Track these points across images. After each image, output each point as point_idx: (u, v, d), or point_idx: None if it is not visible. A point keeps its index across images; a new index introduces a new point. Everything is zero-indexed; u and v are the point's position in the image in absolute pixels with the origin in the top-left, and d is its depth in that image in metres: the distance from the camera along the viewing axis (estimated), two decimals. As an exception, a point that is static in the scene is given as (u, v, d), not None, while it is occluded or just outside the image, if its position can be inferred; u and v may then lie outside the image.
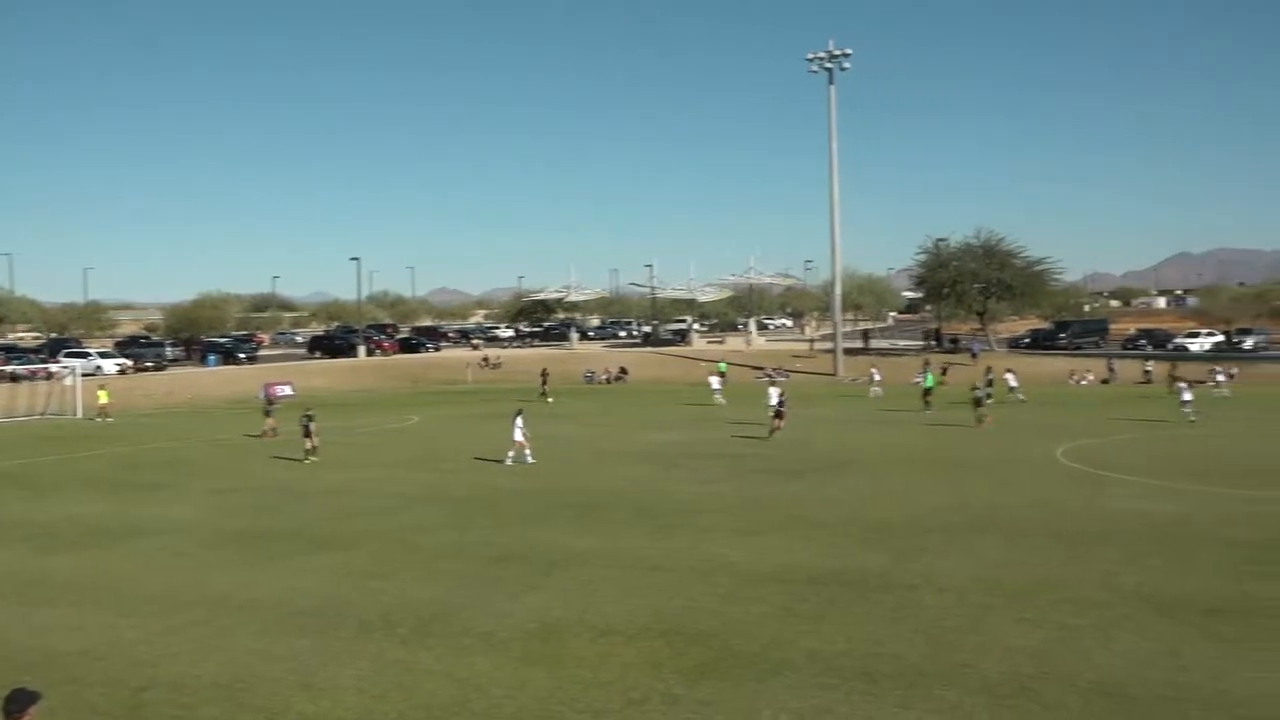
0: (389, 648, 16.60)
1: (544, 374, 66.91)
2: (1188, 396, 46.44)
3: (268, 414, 47.87)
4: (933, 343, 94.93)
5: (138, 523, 27.63)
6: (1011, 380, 57.93)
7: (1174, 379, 56.42)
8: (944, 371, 66.31)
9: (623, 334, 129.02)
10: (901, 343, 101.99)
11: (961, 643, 16.15)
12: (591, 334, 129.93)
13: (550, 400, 62.50)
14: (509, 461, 36.00)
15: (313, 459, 37.95)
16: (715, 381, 61.00)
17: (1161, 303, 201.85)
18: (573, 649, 16.29)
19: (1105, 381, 68.12)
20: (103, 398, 58.51)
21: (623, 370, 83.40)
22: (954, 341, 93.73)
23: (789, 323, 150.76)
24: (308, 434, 38.43)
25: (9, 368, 73.82)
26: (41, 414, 60.37)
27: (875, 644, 16.17)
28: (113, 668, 16.00)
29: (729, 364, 77.44)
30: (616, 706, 13.96)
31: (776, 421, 41.52)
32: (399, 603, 19.14)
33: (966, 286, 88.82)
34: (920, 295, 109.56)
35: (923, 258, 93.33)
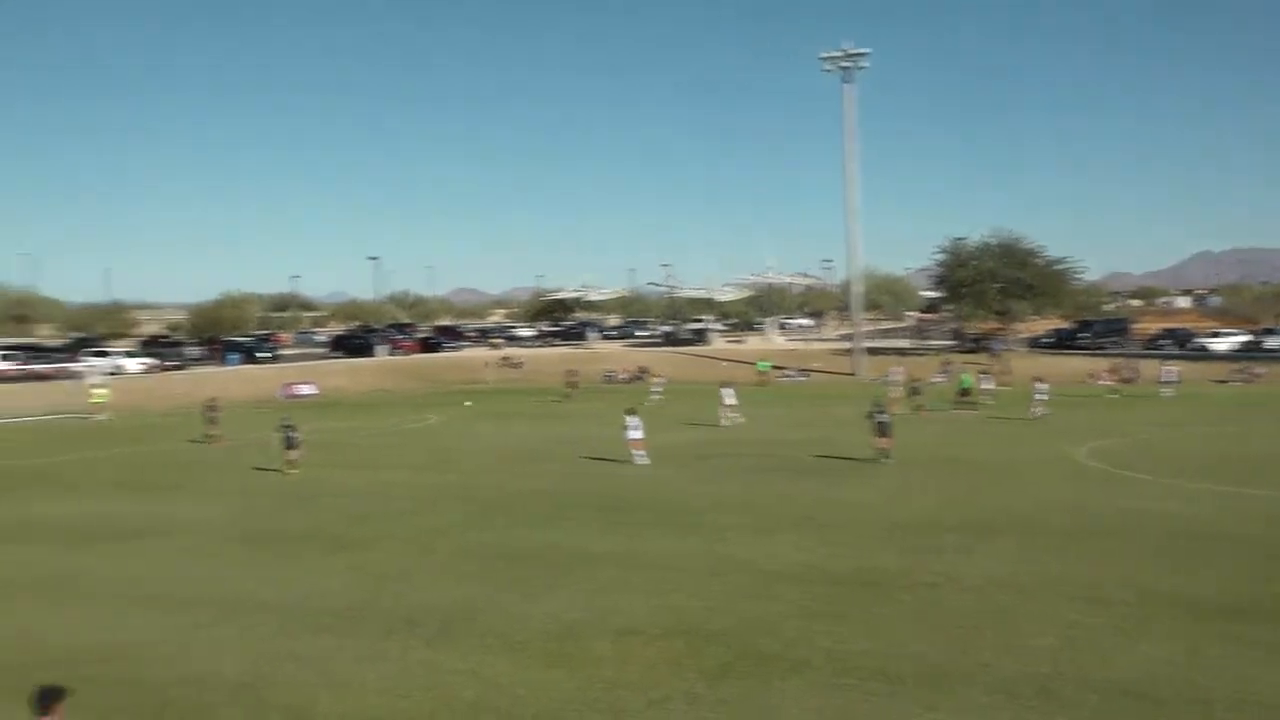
0: (412, 648, 16.69)
1: (570, 374, 68.10)
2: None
3: (211, 420, 45.59)
4: (962, 342, 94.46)
5: (158, 521, 27.82)
6: (984, 383, 58.33)
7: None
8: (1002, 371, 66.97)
9: (642, 333, 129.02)
10: (928, 343, 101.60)
11: (982, 642, 16.14)
12: (611, 333, 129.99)
13: (555, 400, 63.57)
14: (635, 462, 35.29)
15: (292, 471, 35.11)
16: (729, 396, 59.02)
17: (1182, 302, 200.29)
18: (594, 650, 16.35)
19: (1127, 381, 67.84)
20: (97, 397, 58.95)
21: (642, 370, 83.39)
22: (975, 341, 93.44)
23: (808, 322, 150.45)
24: (290, 444, 35.50)
25: (33, 366, 74.36)
26: (64, 412, 60.76)
27: (896, 644, 16.18)
28: (136, 665, 16.14)
29: (769, 364, 77.35)
30: (638, 706, 14.00)
31: (883, 441, 34.71)
32: (421, 603, 19.23)
33: (985, 286, 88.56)
34: (939, 295, 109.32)
35: (941, 257, 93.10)
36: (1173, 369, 62.73)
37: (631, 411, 36.45)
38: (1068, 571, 20.28)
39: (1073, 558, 21.40)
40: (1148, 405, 54.70)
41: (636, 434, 35.51)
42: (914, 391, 54.47)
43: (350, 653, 16.49)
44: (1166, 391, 59.42)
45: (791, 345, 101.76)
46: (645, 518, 26.80)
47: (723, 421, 47.10)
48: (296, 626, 18.04)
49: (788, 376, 78.46)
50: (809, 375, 79.77)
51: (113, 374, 70.81)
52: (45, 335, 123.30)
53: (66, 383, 67.71)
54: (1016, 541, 23.01)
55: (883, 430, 34.66)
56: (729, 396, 48.35)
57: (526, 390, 72.38)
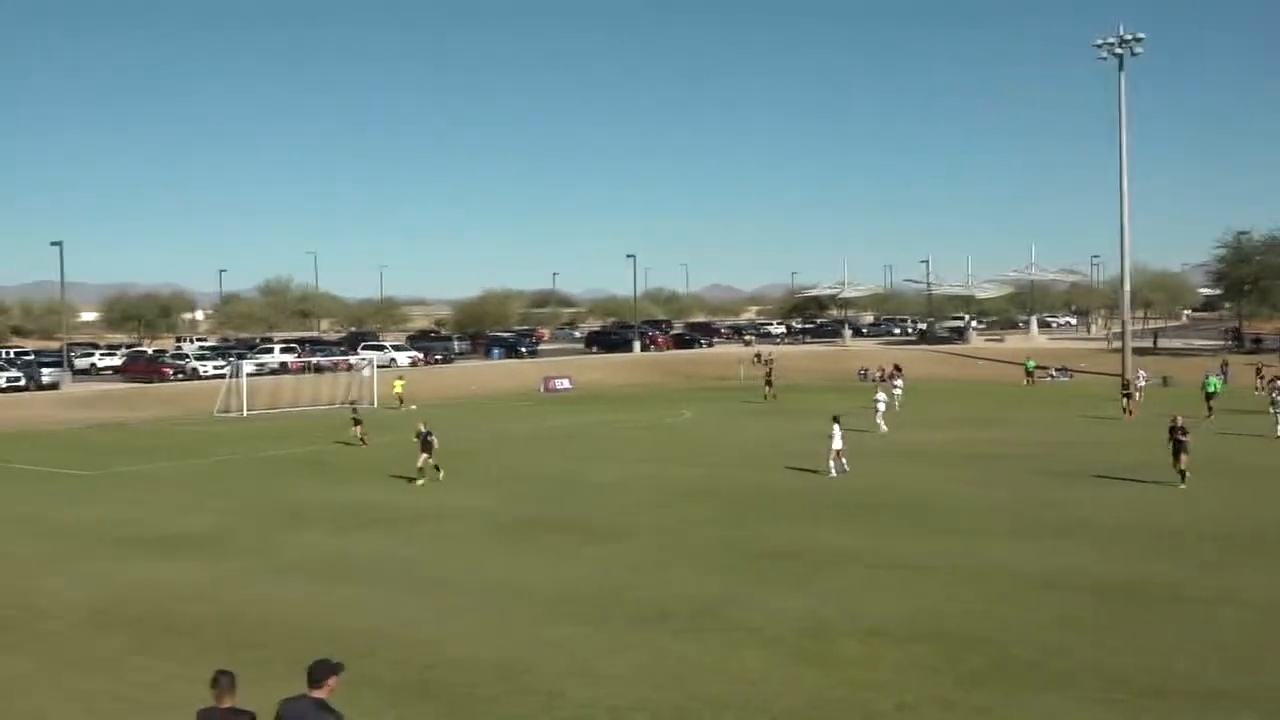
0: (662, 639, 16.86)
1: (768, 371, 67.10)
2: None
3: (356, 421, 44.34)
4: (1241, 342, 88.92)
5: (423, 508, 29.02)
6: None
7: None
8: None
9: (897, 331, 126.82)
10: (1198, 342, 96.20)
11: (1264, 662, 15.10)
12: (865, 331, 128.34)
13: (773, 398, 62.06)
14: (832, 473, 32.71)
15: (423, 480, 32.99)
16: (882, 404, 47.02)
17: None
18: (843, 649, 16.13)
19: None
20: (398, 388, 61.97)
21: (896, 368, 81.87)
22: (1256, 341, 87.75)
23: (1073, 321, 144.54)
24: (427, 448, 33.40)
25: (314, 359, 79.04)
26: (341, 403, 64.17)
27: (1165, 659, 15.31)
28: (402, 645, 16.87)
29: (1035, 363, 74.72)
30: (888, 709, 13.72)
31: (1183, 458, 30.16)
32: (671, 595, 19.40)
33: (1271, 282, 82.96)
34: (1219, 292, 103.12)
35: (1222, 252, 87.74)
36: None
37: (837, 419, 33.69)
38: (1362, 590, 18.77)
39: (1368, 575, 19.79)
40: None
41: (839, 443, 33.28)
42: (1126, 395, 51.18)
43: (601, 641, 16.79)
44: None
45: (1055, 344, 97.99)
46: (898, 518, 26.28)
47: (881, 427, 44.32)
48: (551, 614, 18.49)
49: (1051, 377, 75.59)
50: (1072, 375, 76.61)
51: (384, 367, 74.26)
52: (325, 330, 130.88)
53: (344, 375, 71.50)
54: (1303, 556, 21.45)
55: (1179, 449, 30.41)
56: (882, 402, 45.98)
57: (781, 387, 72.12)
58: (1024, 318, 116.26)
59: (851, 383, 76.45)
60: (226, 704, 9.17)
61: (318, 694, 9.00)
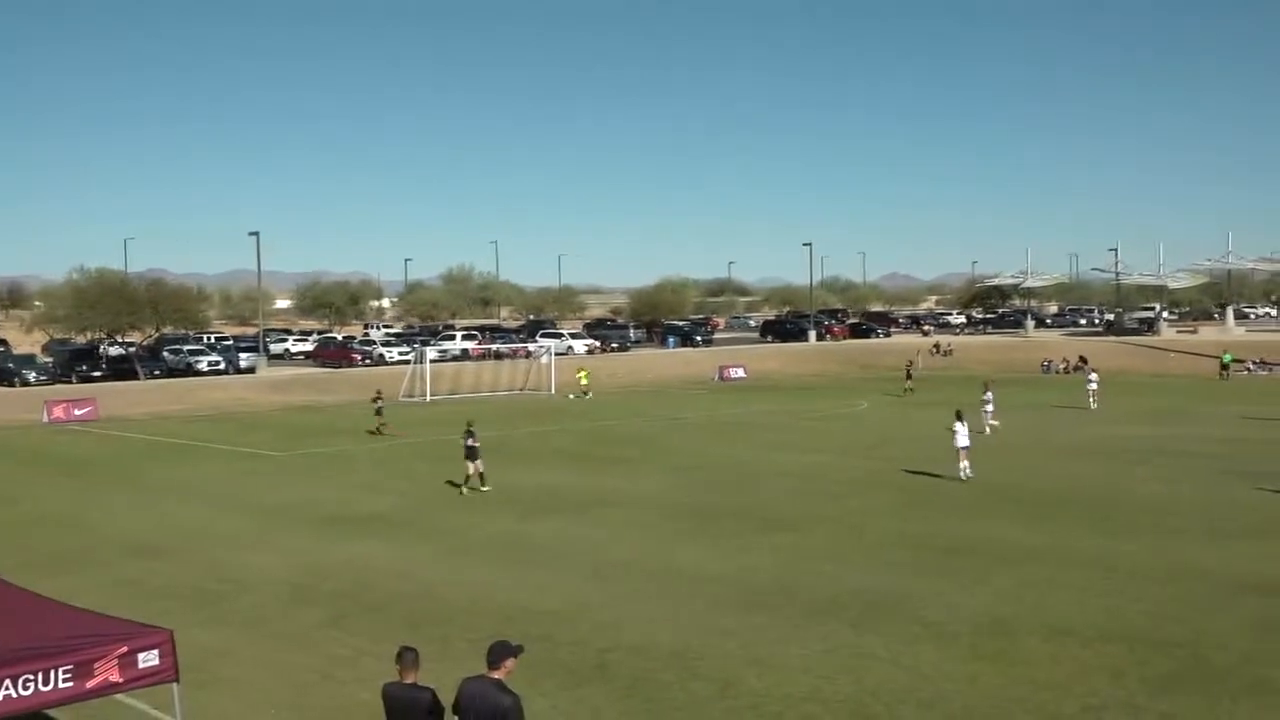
0: (837, 631, 16.80)
1: (910, 364, 65.96)
2: None
3: (378, 411, 44.61)
4: None
5: (603, 494, 29.47)
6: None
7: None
8: None
9: (1082, 322, 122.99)
10: None
11: None
12: (1049, 321, 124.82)
13: (909, 391, 59.90)
14: (963, 475, 30.42)
15: (474, 489, 29.63)
16: (990, 406, 42.14)
17: None
18: (1024, 647, 15.81)
19: None
20: (583, 377, 62.70)
21: (1082, 360, 79.43)
22: None
23: (1274, 312, 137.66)
24: (472, 455, 29.67)
25: (494, 346, 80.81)
26: (520, 389, 65.48)
27: (1372, 670, 14.57)
28: (580, 628, 17.21)
29: (1231, 356, 71.62)
30: (1071, 712, 13.40)
31: None
32: (846, 587, 19.31)
33: None
34: None
35: None
36: None
37: (960, 417, 31.43)
38: None
39: None
40: None
41: (965, 441, 30.85)
42: None
43: (776, 631, 16.82)
44: None
45: (1253, 336, 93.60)
46: (1079, 515, 25.57)
47: (987, 429, 40.69)
48: (726, 601, 18.60)
49: (1248, 370, 72.32)
50: (1272, 369, 73.09)
51: (561, 355, 75.38)
52: (505, 317, 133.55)
53: (522, 362, 72.93)
54: None
55: None
56: (990, 402, 41.94)
57: (960, 378, 70.67)
58: (1219, 309, 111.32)
59: (1034, 375, 74.49)
60: (409, 679, 9.58)
61: (496, 675, 9.23)
